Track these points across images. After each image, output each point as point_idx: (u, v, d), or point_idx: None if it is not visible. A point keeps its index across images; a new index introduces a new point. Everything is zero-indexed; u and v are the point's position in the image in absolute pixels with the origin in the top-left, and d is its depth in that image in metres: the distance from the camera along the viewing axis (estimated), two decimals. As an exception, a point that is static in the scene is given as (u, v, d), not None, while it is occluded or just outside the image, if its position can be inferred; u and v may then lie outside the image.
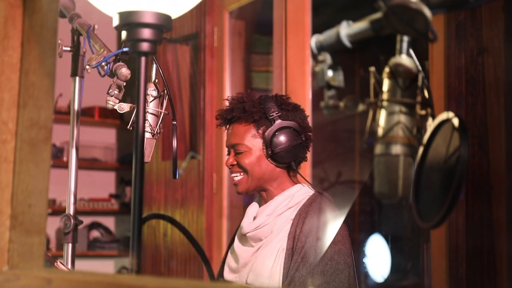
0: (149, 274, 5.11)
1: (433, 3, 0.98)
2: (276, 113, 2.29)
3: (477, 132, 3.07)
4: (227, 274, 2.38)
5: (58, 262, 1.91)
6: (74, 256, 2.11)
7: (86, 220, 5.86)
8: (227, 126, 2.39)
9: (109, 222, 6.14)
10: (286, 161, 2.31)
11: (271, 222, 2.28)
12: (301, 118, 2.33)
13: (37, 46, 1.10)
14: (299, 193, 2.32)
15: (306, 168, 3.61)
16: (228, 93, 4.42)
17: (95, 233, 6.02)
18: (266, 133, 2.29)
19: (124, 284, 0.86)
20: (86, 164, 5.78)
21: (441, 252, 3.11)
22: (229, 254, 2.44)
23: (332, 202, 2.32)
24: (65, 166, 2.20)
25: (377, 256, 4.63)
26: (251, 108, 2.30)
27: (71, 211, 2.07)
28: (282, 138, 2.28)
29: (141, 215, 1.38)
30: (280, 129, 2.28)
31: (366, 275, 4.70)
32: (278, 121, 2.28)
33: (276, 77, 3.90)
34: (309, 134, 2.36)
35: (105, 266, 5.99)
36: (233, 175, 2.36)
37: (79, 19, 2.18)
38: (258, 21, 4.44)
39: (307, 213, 2.24)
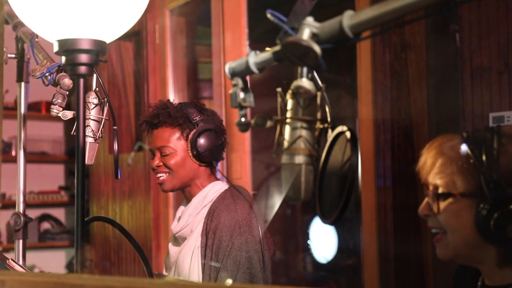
0: (99, 263, 5.24)
1: (322, 39, 1.17)
2: (199, 117, 2.47)
3: (402, 123, 3.28)
4: (164, 272, 2.58)
5: (10, 260, 2.06)
6: (25, 252, 2.26)
7: (37, 212, 5.96)
8: (150, 130, 2.54)
9: (60, 213, 6.24)
10: (209, 160, 2.50)
11: (191, 221, 2.46)
12: (219, 122, 2.53)
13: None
14: (212, 191, 2.49)
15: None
16: (171, 86, 4.57)
17: (46, 225, 6.12)
18: (191, 135, 2.46)
19: (67, 283, 1.03)
20: (35, 157, 5.87)
21: (372, 233, 3.32)
22: (168, 252, 2.64)
23: (243, 194, 2.49)
24: (14, 160, 2.32)
25: (320, 238, 4.84)
26: (175, 113, 2.47)
27: (21, 209, 2.22)
28: (205, 140, 2.46)
29: (84, 217, 1.56)
30: (204, 131, 2.46)
31: (310, 256, 4.92)
32: (201, 124, 2.47)
33: (215, 70, 4.07)
34: (225, 136, 2.54)
35: (57, 257, 6.09)
36: (159, 175, 2.51)
37: (23, 27, 2.30)
38: (202, 13, 4.58)
39: (214, 210, 2.40)
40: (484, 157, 1.49)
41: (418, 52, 3.28)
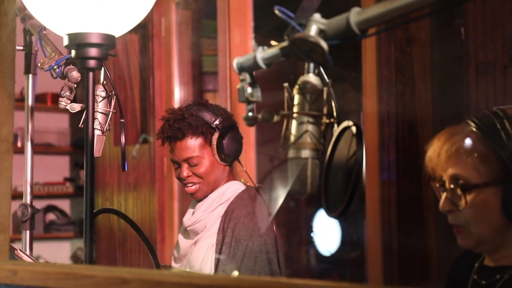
0: (104, 256, 5.27)
1: (328, 35, 1.19)
2: (218, 121, 2.49)
3: (407, 117, 3.29)
4: (172, 263, 2.60)
5: (18, 251, 2.08)
6: (32, 242, 2.29)
7: (42, 203, 6.00)
8: (172, 143, 2.54)
9: (65, 205, 6.28)
10: (235, 159, 2.56)
11: (206, 217, 2.49)
12: (231, 117, 2.55)
13: (-3, 71, 1.28)
14: (229, 190, 2.52)
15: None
16: (176, 79, 4.59)
17: (51, 216, 6.15)
18: (214, 141, 2.49)
19: (78, 273, 1.06)
20: (40, 149, 5.90)
21: (376, 226, 3.34)
22: (177, 244, 2.66)
23: (258, 197, 2.53)
24: (20, 151, 2.34)
25: (324, 231, 4.86)
26: (196, 122, 2.48)
27: (28, 201, 2.25)
28: (229, 141, 2.50)
29: (93, 209, 1.58)
30: (226, 134, 2.49)
31: (314, 249, 4.94)
32: (221, 127, 2.49)
33: (221, 64, 4.08)
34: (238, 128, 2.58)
35: (62, 248, 6.13)
36: (189, 185, 2.54)
37: (31, 20, 2.31)
38: (208, 6, 4.60)
39: (233, 210, 2.44)
40: (502, 140, 1.50)
41: (423, 47, 3.30)
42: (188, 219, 2.55)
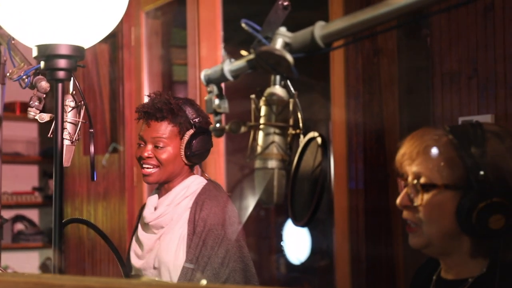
0: (73, 265, 5.25)
1: (294, 49, 1.22)
2: (198, 120, 2.53)
3: (374, 127, 3.34)
4: (135, 261, 2.61)
5: (-13, 261, 2.08)
6: (0, 252, 2.29)
7: (10, 213, 5.95)
8: (147, 121, 2.56)
9: (33, 214, 6.23)
10: (198, 162, 2.60)
11: (171, 211, 2.53)
12: (209, 123, 2.58)
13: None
14: (194, 183, 2.57)
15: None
16: (146, 89, 4.60)
17: (19, 226, 6.11)
18: (187, 136, 2.51)
19: (47, 283, 1.07)
20: (9, 158, 5.86)
21: (344, 234, 3.38)
22: (133, 241, 2.67)
23: (222, 189, 2.62)
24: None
25: (294, 239, 4.89)
26: (178, 111, 2.52)
27: (-5, 210, 2.25)
28: (199, 142, 2.52)
29: (62, 218, 1.59)
30: (200, 134, 2.52)
31: (284, 257, 4.97)
32: (198, 126, 2.53)
33: (191, 74, 4.11)
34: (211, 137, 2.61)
35: (30, 258, 6.09)
36: (146, 166, 2.55)
37: (0, 29, 2.32)
38: (177, 16, 4.62)
39: (204, 200, 2.49)
40: (472, 149, 1.54)
41: (390, 57, 3.34)
42: (150, 213, 2.57)
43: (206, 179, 2.62)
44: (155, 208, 2.59)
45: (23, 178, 6.14)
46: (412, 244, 1.64)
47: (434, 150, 1.58)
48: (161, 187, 2.63)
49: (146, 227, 2.61)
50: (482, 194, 1.50)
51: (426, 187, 1.57)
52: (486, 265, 1.58)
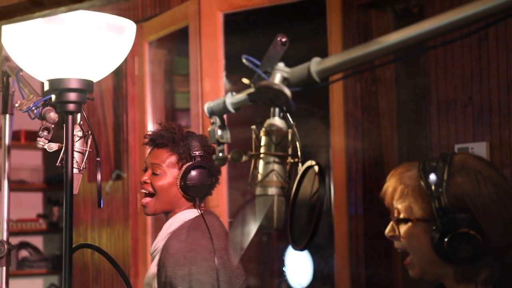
0: (78, 290, 5.29)
1: (291, 83, 1.30)
2: (199, 153, 2.53)
3: (373, 154, 3.41)
4: None
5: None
6: (8, 278, 2.35)
7: (15, 240, 6.00)
8: (152, 148, 2.61)
9: (38, 241, 6.28)
10: (194, 196, 2.55)
11: (159, 246, 2.54)
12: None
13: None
14: (179, 219, 2.56)
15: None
16: (150, 117, 4.68)
17: (24, 253, 6.15)
18: (184, 167, 2.52)
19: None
20: (14, 186, 5.89)
21: (344, 258, 3.44)
22: None
23: (211, 224, 2.52)
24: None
25: (295, 264, 4.93)
26: (179, 140, 2.55)
27: (5, 237, 2.31)
28: (196, 175, 2.52)
29: (71, 244, 1.66)
30: (198, 167, 2.53)
31: (286, 282, 5.00)
32: (198, 160, 2.53)
33: (193, 101, 4.19)
34: (218, 176, 2.62)
35: (35, 285, 6.12)
36: (143, 190, 2.59)
37: (8, 62, 2.39)
38: (180, 45, 4.72)
39: (169, 240, 2.48)
40: (436, 186, 1.64)
41: (388, 85, 3.43)
42: (152, 246, 2.61)
43: (200, 212, 2.56)
44: None
45: (28, 205, 6.20)
46: (411, 276, 1.76)
47: (407, 189, 1.69)
48: (167, 218, 2.64)
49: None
50: (448, 227, 1.60)
51: (403, 221, 1.69)
52: (490, 284, 1.66)
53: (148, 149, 2.66)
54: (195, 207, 2.59)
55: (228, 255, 2.49)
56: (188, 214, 2.58)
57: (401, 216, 1.70)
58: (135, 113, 4.76)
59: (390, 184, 1.73)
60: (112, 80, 5.03)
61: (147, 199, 2.58)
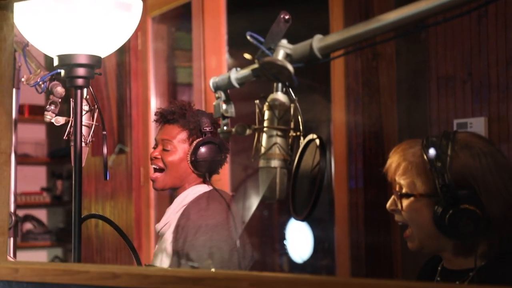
0: (82, 262, 5.36)
1: (294, 59, 1.35)
2: (209, 129, 2.57)
3: (373, 128, 3.45)
4: None
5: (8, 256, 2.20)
6: (16, 249, 2.41)
7: (19, 213, 6.07)
8: (162, 123, 2.65)
9: (42, 214, 6.35)
10: (203, 171, 2.60)
11: (171, 219, 2.58)
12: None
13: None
14: (192, 192, 2.60)
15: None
16: (153, 92, 4.73)
17: (28, 225, 6.23)
18: (195, 142, 2.56)
19: (73, 270, 1.20)
20: (18, 159, 5.91)
21: (344, 231, 3.50)
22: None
23: (224, 196, 2.59)
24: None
25: (296, 238, 4.99)
26: (190, 117, 2.59)
27: (12, 209, 2.37)
28: (206, 151, 2.56)
29: (80, 214, 1.72)
30: (208, 143, 2.57)
31: (287, 256, 5.06)
32: (208, 135, 2.57)
33: (196, 77, 4.24)
34: (227, 154, 2.65)
35: (39, 257, 6.20)
36: (153, 166, 2.63)
37: (15, 37, 2.44)
38: (182, 20, 4.75)
39: (188, 208, 2.54)
40: (440, 162, 1.69)
41: (388, 61, 3.46)
42: (158, 224, 2.65)
43: (211, 188, 2.63)
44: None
45: (32, 179, 6.26)
46: (410, 248, 1.82)
47: (411, 165, 1.75)
48: (173, 195, 2.68)
49: (159, 238, 2.67)
50: (450, 202, 1.65)
51: (406, 196, 1.75)
52: (487, 258, 1.72)
53: (155, 128, 2.68)
54: (204, 183, 2.63)
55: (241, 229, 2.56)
56: (201, 188, 2.62)
57: (404, 191, 1.75)
58: (138, 88, 4.81)
59: (394, 160, 1.79)
60: (115, 55, 5.07)
61: (157, 174, 2.62)
